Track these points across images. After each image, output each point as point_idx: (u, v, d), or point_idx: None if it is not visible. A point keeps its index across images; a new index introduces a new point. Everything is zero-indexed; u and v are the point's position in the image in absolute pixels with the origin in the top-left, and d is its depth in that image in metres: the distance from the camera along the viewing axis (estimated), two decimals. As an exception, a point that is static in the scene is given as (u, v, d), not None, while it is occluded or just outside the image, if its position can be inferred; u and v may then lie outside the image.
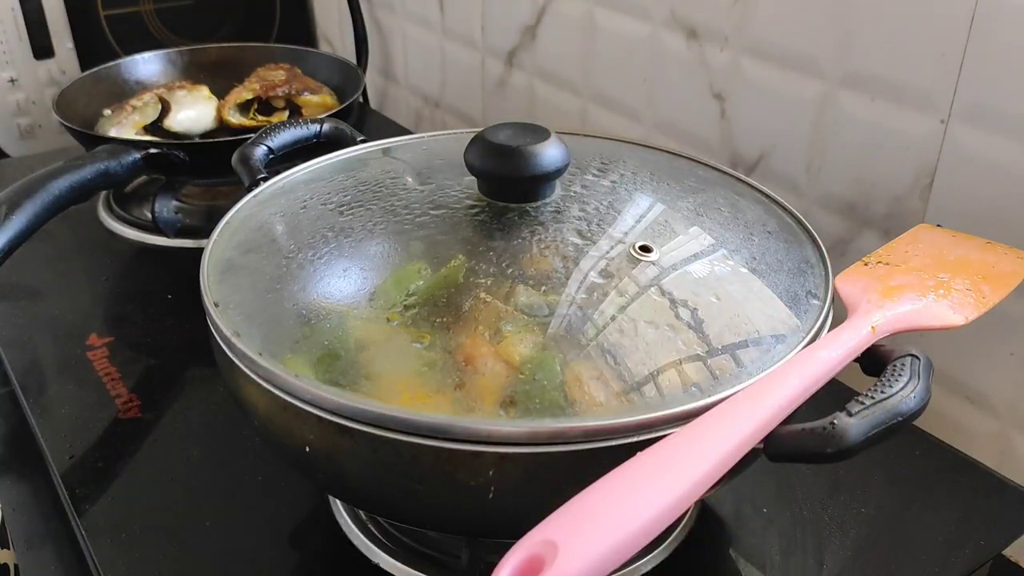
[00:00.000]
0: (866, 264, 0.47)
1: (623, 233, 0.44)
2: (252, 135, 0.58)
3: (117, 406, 0.59)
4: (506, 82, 0.93)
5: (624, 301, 0.40)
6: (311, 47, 1.15)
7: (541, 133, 0.45)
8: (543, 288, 0.40)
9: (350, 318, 0.40)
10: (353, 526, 0.49)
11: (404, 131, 1.04)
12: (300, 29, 1.25)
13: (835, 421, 0.34)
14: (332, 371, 0.38)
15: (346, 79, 0.94)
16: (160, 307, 0.70)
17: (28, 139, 1.07)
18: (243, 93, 0.90)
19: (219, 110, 0.89)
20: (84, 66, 1.05)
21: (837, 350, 0.39)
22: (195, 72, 0.97)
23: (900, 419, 0.35)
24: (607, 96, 0.81)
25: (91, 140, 0.77)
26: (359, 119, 0.93)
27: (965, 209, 0.56)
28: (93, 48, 1.08)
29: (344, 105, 0.86)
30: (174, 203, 0.81)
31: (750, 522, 0.51)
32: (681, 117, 0.74)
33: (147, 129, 0.86)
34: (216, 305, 0.42)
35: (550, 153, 0.44)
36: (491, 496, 0.36)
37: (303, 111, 0.90)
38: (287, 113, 0.90)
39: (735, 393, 0.36)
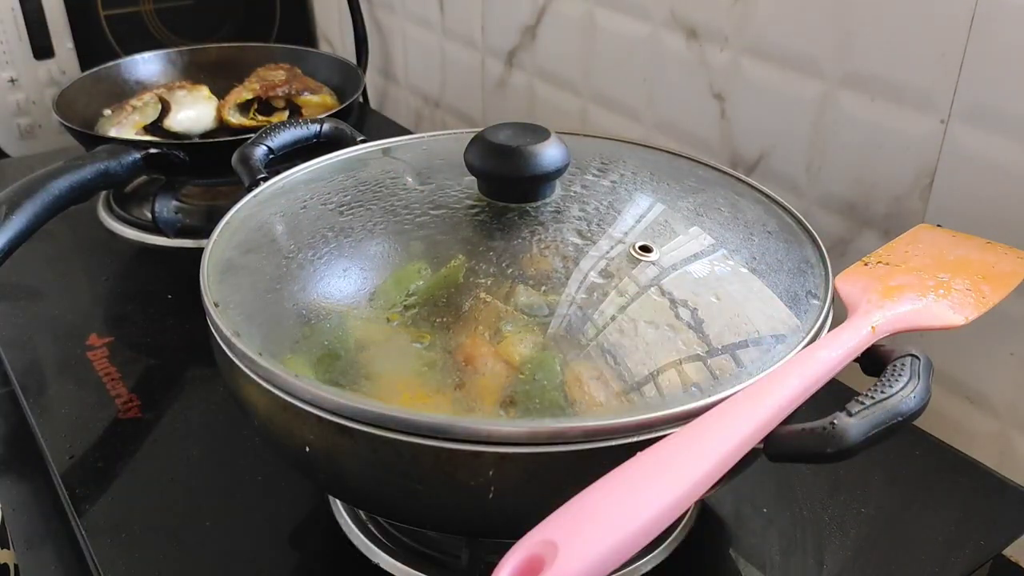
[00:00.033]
0: (866, 264, 0.47)
1: (623, 233, 0.44)
2: (252, 135, 0.58)
3: (117, 406, 0.59)
4: (506, 82, 0.93)
5: (624, 301, 0.40)
6: (311, 47, 1.15)
7: (541, 133, 0.45)
8: (543, 288, 0.40)
9: (350, 318, 0.40)
10: (353, 526, 0.49)
11: (404, 131, 1.04)
12: (300, 29, 1.25)
13: (835, 421, 0.34)
14: (332, 371, 0.38)
15: (346, 79, 0.94)
16: (160, 307, 0.70)
17: (28, 139, 1.07)
18: (243, 93, 0.90)
19: (219, 110, 0.89)
20: (84, 66, 1.05)
21: (837, 350, 0.39)
22: (195, 72, 0.97)
23: (900, 419, 0.35)
24: (607, 96, 0.81)
25: (91, 140, 0.77)
26: (359, 119, 0.93)
27: (965, 209, 0.56)
28: (93, 48, 1.08)
29: (344, 105, 0.86)
30: (174, 203, 0.81)
31: (750, 522, 0.51)
32: (681, 117, 0.74)
33: (147, 129, 0.86)
34: (216, 305, 0.42)
35: (550, 153, 0.44)
36: (491, 496, 0.36)
37: (303, 111, 0.90)
38: (287, 113, 0.90)
39: (735, 393, 0.36)
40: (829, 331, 0.41)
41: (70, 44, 1.07)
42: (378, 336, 0.40)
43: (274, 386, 0.38)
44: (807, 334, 0.41)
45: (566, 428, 0.35)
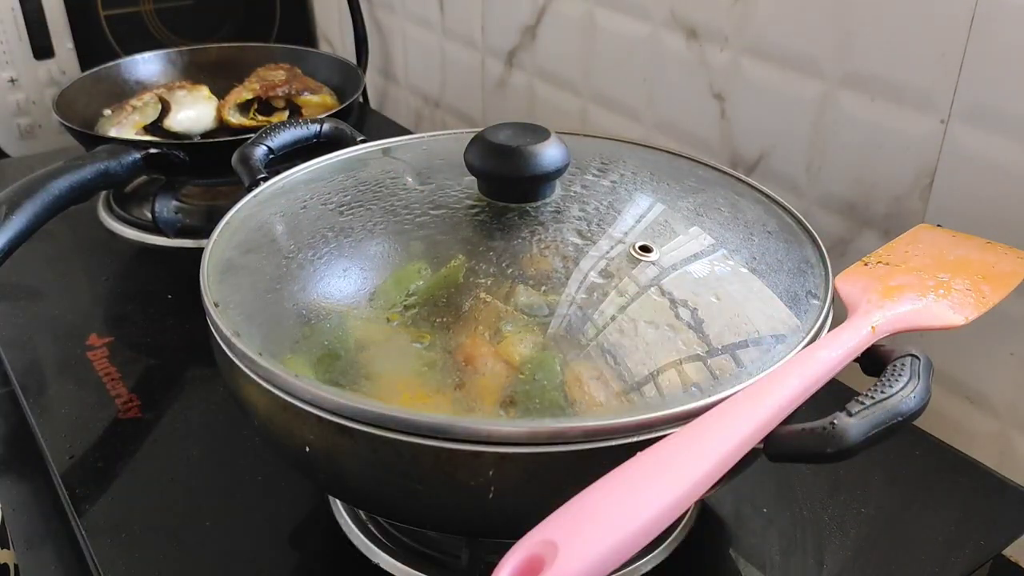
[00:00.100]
0: (866, 264, 0.47)
1: (623, 233, 0.44)
2: (252, 135, 0.58)
3: (117, 406, 0.59)
4: (506, 82, 0.93)
5: (624, 301, 0.40)
6: (311, 47, 1.15)
7: (541, 133, 0.45)
8: (543, 288, 0.40)
9: (350, 318, 0.40)
10: (353, 526, 0.49)
11: (404, 131, 1.04)
12: (300, 29, 1.25)
13: (835, 421, 0.34)
14: (332, 371, 0.38)
15: (346, 79, 0.94)
16: (160, 307, 0.70)
17: (28, 139, 1.07)
18: (243, 93, 0.90)
19: (219, 110, 0.89)
20: (84, 66, 1.05)
21: (837, 350, 0.39)
22: (195, 72, 0.97)
23: (900, 419, 0.35)
24: (607, 96, 0.81)
25: (91, 140, 0.77)
26: (359, 119, 0.93)
27: (965, 209, 0.56)
28: (93, 48, 1.08)
29: (344, 105, 0.86)
30: (174, 203, 0.81)
31: (750, 522, 0.51)
32: (681, 117, 0.74)
33: (147, 129, 0.86)
34: (216, 305, 0.42)
35: (550, 153, 0.44)
36: (491, 496, 0.36)
37: (303, 111, 0.90)
38: (287, 113, 0.90)
39: (735, 393, 0.36)
40: (829, 331, 0.41)
41: (70, 44, 1.07)
42: (378, 336, 0.40)
43: (274, 386, 0.38)
44: (807, 334, 0.41)
45: (566, 428, 0.35)
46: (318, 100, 0.91)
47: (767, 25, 0.65)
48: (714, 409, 0.35)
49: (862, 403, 0.35)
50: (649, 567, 0.47)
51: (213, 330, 0.41)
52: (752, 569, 0.48)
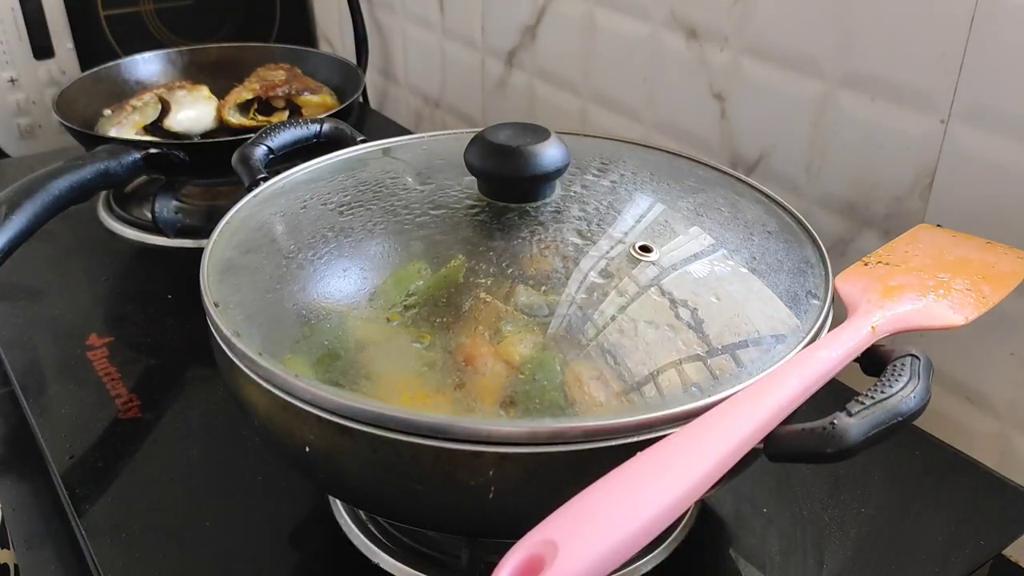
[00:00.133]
0: (866, 264, 0.47)
1: (623, 233, 0.44)
2: (252, 135, 0.58)
3: (117, 406, 0.59)
4: (506, 82, 0.93)
5: (624, 301, 0.40)
6: (311, 47, 1.15)
7: (541, 133, 0.45)
8: (543, 288, 0.40)
9: (350, 318, 0.40)
10: (353, 526, 0.49)
11: (404, 131, 1.04)
12: (300, 29, 1.25)
13: (835, 421, 0.34)
14: (332, 371, 0.38)
15: (346, 79, 0.94)
16: (160, 307, 0.70)
17: (28, 139, 1.07)
18: (243, 93, 0.90)
19: (219, 110, 0.89)
20: (84, 66, 1.05)
21: (837, 350, 0.39)
22: (195, 72, 0.97)
23: (900, 419, 0.35)
24: (607, 96, 0.81)
25: (91, 140, 0.77)
26: (359, 119, 0.93)
27: (965, 209, 0.56)
28: (93, 48, 1.08)
29: (344, 105, 0.86)
30: (174, 203, 0.81)
31: (750, 522, 0.51)
32: (681, 117, 0.74)
33: (147, 129, 0.86)
34: (216, 305, 0.42)
35: (550, 153, 0.44)
36: (491, 496, 0.36)
37: (303, 111, 0.90)
38: (287, 113, 0.90)
39: (735, 393, 0.36)
40: (829, 331, 0.41)
41: (70, 44, 1.07)
42: (378, 336, 0.40)
43: (274, 386, 0.38)
44: (807, 334, 0.41)
45: (566, 428, 0.35)
46: (318, 100, 0.91)
47: (767, 25, 0.65)
48: (714, 409, 0.35)
49: (862, 403, 0.35)
50: (649, 567, 0.47)
51: (213, 330, 0.41)
52: (752, 569, 0.48)
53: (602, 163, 0.50)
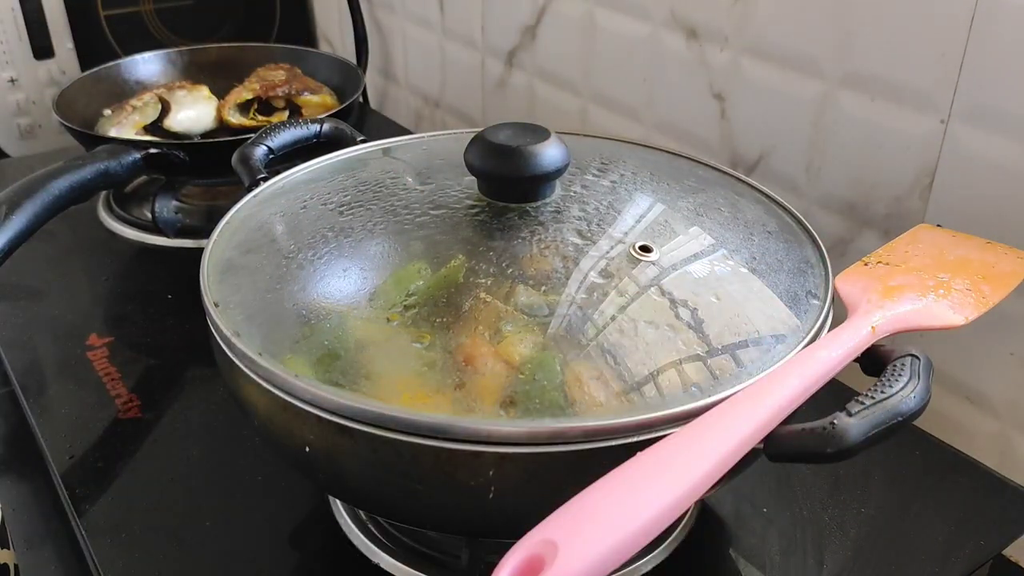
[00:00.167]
0: (866, 264, 0.47)
1: (623, 233, 0.44)
2: (252, 135, 0.58)
3: (117, 406, 0.59)
4: (506, 82, 0.93)
5: (624, 301, 0.40)
6: (311, 47, 1.15)
7: (541, 133, 0.45)
8: (543, 288, 0.40)
9: (350, 318, 0.40)
10: (353, 526, 0.49)
11: (404, 131, 1.04)
12: (300, 29, 1.25)
13: (835, 421, 0.34)
14: (332, 371, 0.38)
15: (346, 79, 0.94)
16: (160, 307, 0.70)
17: (28, 139, 1.07)
18: (243, 93, 0.90)
19: (219, 110, 0.89)
20: (84, 66, 1.05)
21: (837, 350, 0.39)
22: (195, 72, 0.97)
23: (900, 419, 0.35)
24: (607, 96, 0.81)
25: (91, 140, 0.77)
26: (359, 119, 0.93)
27: (965, 209, 0.56)
28: (93, 48, 1.08)
29: (344, 105, 0.86)
30: (174, 203, 0.81)
31: (750, 522, 0.51)
32: (681, 117, 0.74)
33: (147, 129, 0.86)
34: (216, 305, 0.42)
35: (550, 153, 0.44)
36: (491, 496, 0.36)
37: (303, 111, 0.90)
38: (287, 113, 0.90)
39: (735, 393, 0.36)
40: (829, 331, 0.41)
41: (70, 44, 1.07)
42: (378, 336, 0.40)
43: (274, 386, 0.38)
44: (807, 334, 0.41)
45: (566, 428, 0.35)
46: (318, 100, 0.91)
47: (767, 25, 0.65)
48: (714, 409, 0.35)
49: (862, 403, 0.35)
50: (649, 567, 0.47)
51: (213, 330, 0.41)
52: (752, 569, 0.48)
53: (602, 163, 0.50)
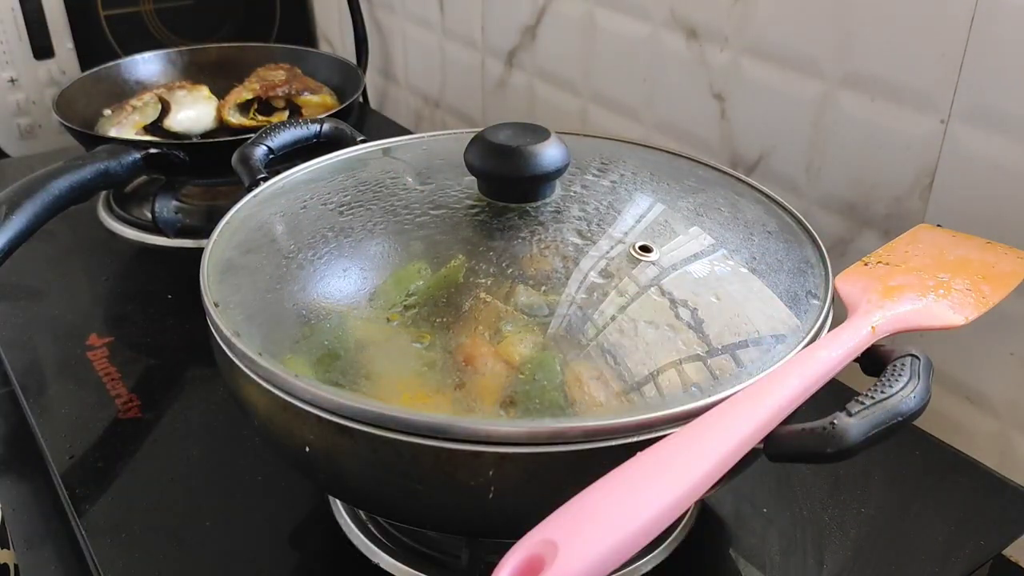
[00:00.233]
0: (866, 264, 0.47)
1: (623, 233, 0.44)
2: (252, 135, 0.58)
3: (117, 406, 0.59)
4: (506, 82, 0.93)
5: (624, 301, 0.40)
6: (311, 47, 1.15)
7: (541, 133, 0.45)
8: (543, 288, 0.40)
9: (350, 318, 0.40)
10: (353, 526, 0.49)
11: (404, 131, 1.04)
12: (300, 29, 1.25)
13: (835, 421, 0.34)
14: (332, 371, 0.38)
15: (346, 79, 0.94)
16: (160, 307, 0.70)
17: (28, 139, 1.07)
18: (243, 93, 0.90)
19: (219, 110, 0.89)
20: (84, 66, 1.05)
21: (837, 350, 0.39)
22: (195, 72, 0.97)
23: (900, 419, 0.35)
24: (607, 96, 0.81)
25: (91, 140, 0.77)
26: (359, 119, 0.93)
27: (965, 209, 0.56)
28: (93, 48, 1.08)
29: (344, 105, 0.86)
30: (174, 203, 0.81)
31: (750, 522, 0.51)
32: (681, 117, 0.74)
33: (147, 129, 0.86)
34: (216, 305, 0.42)
35: (550, 153, 0.44)
36: (491, 496, 0.36)
37: (303, 111, 0.90)
38: (287, 113, 0.90)
39: (735, 393, 0.36)
40: (829, 331, 0.41)
41: (70, 44, 1.07)
42: (378, 336, 0.40)
43: (274, 386, 0.38)
44: (807, 334, 0.41)
45: (566, 428, 0.35)
46: (318, 100, 0.91)
47: (767, 25, 0.65)
48: (714, 409, 0.35)
49: (862, 403, 0.35)
50: (649, 567, 0.47)
51: (213, 330, 0.41)
52: (752, 569, 0.48)
53: (602, 163, 0.50)
